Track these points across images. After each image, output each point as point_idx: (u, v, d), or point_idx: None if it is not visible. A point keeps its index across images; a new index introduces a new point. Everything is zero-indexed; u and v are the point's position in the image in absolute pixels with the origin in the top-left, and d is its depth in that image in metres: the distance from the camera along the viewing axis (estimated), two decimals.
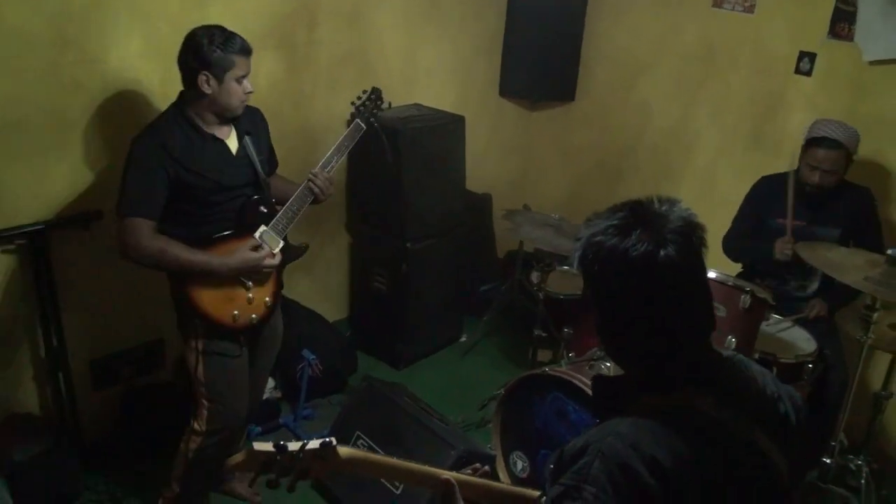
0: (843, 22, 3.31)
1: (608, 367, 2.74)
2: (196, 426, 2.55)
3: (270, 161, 2.69)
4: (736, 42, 3.71)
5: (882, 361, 2.73)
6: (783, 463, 1.23)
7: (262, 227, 2.45)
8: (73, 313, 2.93)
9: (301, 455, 1.25)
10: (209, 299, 2.38)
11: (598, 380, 1.33)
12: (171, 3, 2.88)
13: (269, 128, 2.66)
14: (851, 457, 2.73)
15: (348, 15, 3.58)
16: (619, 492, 1.09)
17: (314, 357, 3.32)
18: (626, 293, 1.19)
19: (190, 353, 2.48)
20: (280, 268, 2.54)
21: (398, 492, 2.66)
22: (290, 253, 2.55)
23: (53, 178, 2.76)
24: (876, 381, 2.78)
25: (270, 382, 3.44)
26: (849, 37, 3.30)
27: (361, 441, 2.86)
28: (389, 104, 2.85)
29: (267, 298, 2.51)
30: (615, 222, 1.19)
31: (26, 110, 2.63)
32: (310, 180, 2.52)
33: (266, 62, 3.32)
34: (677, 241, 1.16)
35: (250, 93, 2.37)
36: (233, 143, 2.45)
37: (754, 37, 3.63)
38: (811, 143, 2.97)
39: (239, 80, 2.31)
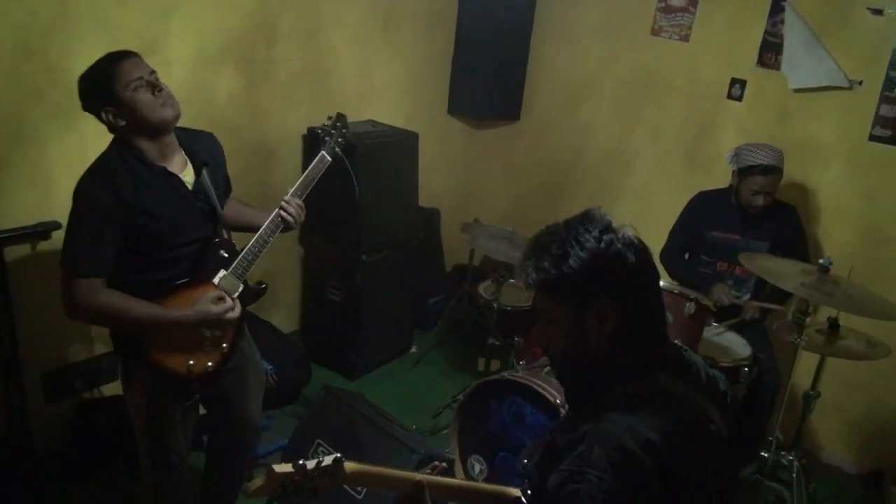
0: (770, 52, 3.57)
1: None
2: (143, 467, 2.38)
3: (225, 187, 2.45)
4: (672, 68, 3.94)
5: (810, 364, 2.95)
6: (726, 430, 1.42)
7: (222, 272, 2.22)
8: (27, 324, 2.87)
9: (316, 473, 1.29)
10: (162, 349, 2.16)
11: (576, 371, 1.43)
12: (135, 16, 2.90)
13: (226, 143, 2.44)
14: (783, 453, 2.93)
15: (306, 32, 3.66)
16: (620, 473, 1.20)
17: (271, 367, 3.35)
18: (632, 291, 1.34)
19: (134, 404, 2.28)
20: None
21: (360, 497, 2.72)
22: (250, 296, 2.33)
23: (9, 188, 2.73)
24: (804, 383, 3.01)
25: None
26: (775, 66, 3.57)
27: (322, 448, 2.91)
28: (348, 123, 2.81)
29: (224, 344, 2.28)
30: (599, 233, 1.33)
31: None
32: (282, 208, 2.33)
33: (226, 76, 3.36)
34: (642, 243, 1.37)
35: (161, 90, 2.05)
36: (188, 177, 2.19)
37: (689, 64, 3.87)
38: (751, 170, 3.17)
39: (136, 88, 2.00)
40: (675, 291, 2.74)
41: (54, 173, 2.81)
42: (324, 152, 2.50)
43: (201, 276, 2.20)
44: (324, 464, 1.29)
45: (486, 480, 2.87)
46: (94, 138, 2.37)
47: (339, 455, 1.31)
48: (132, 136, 2.08)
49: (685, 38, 3.85)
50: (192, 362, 2.21)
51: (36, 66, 2.69)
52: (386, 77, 4.18)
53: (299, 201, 2.38)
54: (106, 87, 2.00)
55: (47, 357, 3.01)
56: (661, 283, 2.72)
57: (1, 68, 2.61)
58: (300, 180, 2.43)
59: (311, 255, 4.06)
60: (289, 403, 3.63)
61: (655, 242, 3.45)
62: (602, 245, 1.31)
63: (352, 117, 3.51)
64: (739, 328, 3.21)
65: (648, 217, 4.02)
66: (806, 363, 3.04)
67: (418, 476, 1.44)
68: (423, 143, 4.10)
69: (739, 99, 3.73)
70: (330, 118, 2.63)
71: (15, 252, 2.78)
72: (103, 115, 2.04)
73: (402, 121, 4.15)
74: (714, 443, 1.36)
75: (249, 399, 2.56)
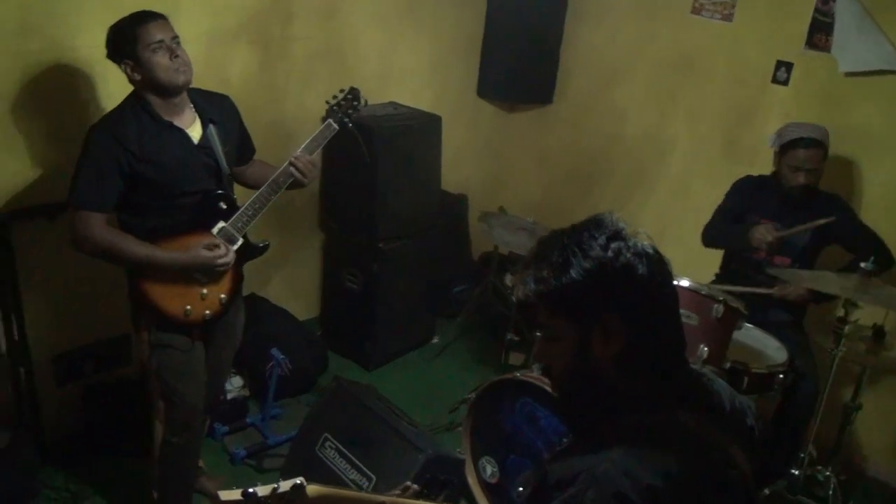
0: (820, 33, 3.33)
1: None
2: (156, 423, 2.50)
3: (244, 148, 2.62)
4: (713, 50, 3.72)
5: (852, 370, 2.75)
6: (752, 473, 1.23)
7: (221, 223, 2.39)
8: (36, 307, 2.86)
9: (271, 501, 1.20)
10: (161, 292, 2.33)
11: (578, 397, 1.26)
12: None
13: (243, 120, 2.59)
14: (820, 468, 2.74)
15: (324, 11, 3.54)
16: None
17: (283, 357, 3.27)
18: (642, 307, 1.17)
19: (141, 346, 2.44)
20: (239, 265, 2.48)
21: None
22: (250, 251, 2.48)
23: (16, 169, 2.70)
24: (846, 393, 2.80)
25: (239, 381, 3.39)
26: (826, 47, 3.32)
27: (329, 443, 2.82)
28: (366, 102, 2.79)
29: (222, 295, 2.44)
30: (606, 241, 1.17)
31: None
32: (291, 163, 2.44)
33: (240, 56, 3.27)
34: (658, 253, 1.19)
35: (178, 57, 2.24)
36: (195, 132, 2.36)
37: (731, 45, 3.65)
38: (791, 145, 2.98)
39: (155, 49, 2.20)
40: (703, 292, 2.55)
41: (59, 154, 2.75)
42: (330, 120, 2.58)
43: (201, 226, 2.36)
44: (281, 490, 1.18)
45: (499, 483, 2.76)
46: (98, 117, 2.35)
47: (298, 481, 1.19)
48: (145, 91, 2.26)
49: (728, 18, 3.63)
50: (188, 307, 2.36)
51: (40, 45, 2.64)
52: (410, 58, 4.03)
53: (310, 157, 2.48)
54: (129, 43, 2.19)
55: (57, 340, 2.98)
56: (686, 282, 2.57)
57: (4, 47, 2.56)
58: (306, 142, 2.52)
59: (329, 242, 3.97)
60: (303, 392, 3.56)
61: (691, 235, 3.30)
62: (609, 254, 1.14)
63: (373, 99, 3.43)
64: (775, 329, 2.99)
65: (684, 208, 3.83)
66: (848, 369, 2.83)
67: (385, 499, 1.31)
68: (450, 128, 3.97)
69: (785, 83, 3.49)
70: (342, 91, 2.68)
71: (21, 234, 2.74)
72: (122, 66, 2.23)
73: (429, 104, 4.01)
74: (733, 491, 1.18)
75: (224, 367, 2.82)
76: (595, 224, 1.19)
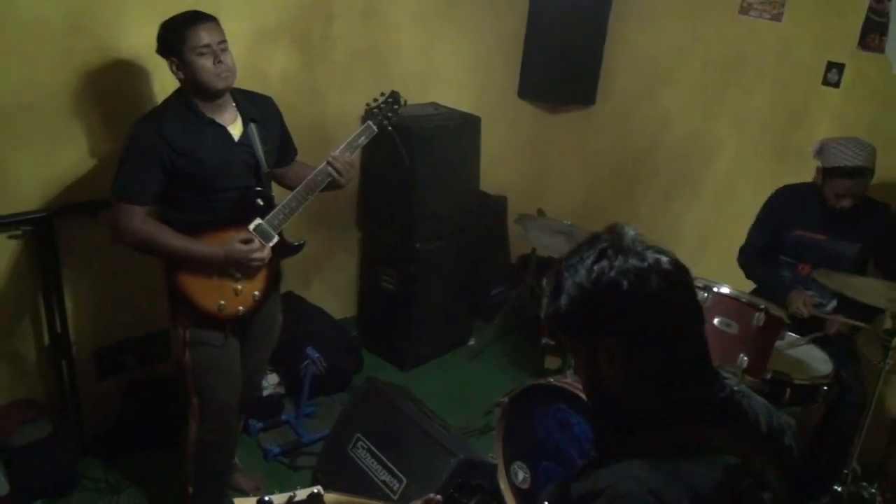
0: (874, 33, 3.21)
1: None
2: (190, 418, 2.53)
3: (285, 149, 2.64)
4: (761, 51, 3.62)
5: None
6: (786, 495, 1.18)
7: (258, 220, 2.40)
8: (79, 301, 2.92)
9: None
10: (195, 287, 2.35)
11: (600, 413, 1.25)
12: None
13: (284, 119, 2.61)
14: (865, 484, 2.64)
15: (365, 11, 3.54)
16: None
17: (318, 355, 3.28)
18: (638, 326, 1.12)
19: (177, 341, 2.47)
20: (274, 263, 2.49)
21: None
22: (285, 249, 2.49)
23: (61, 165, 2.75)
24: (893, 407, 2.69)
25: (274, 378, 3.41)
26: (879, 48, 3.20)
27: (361, 443, 2.82)
28: (405, 102, 2.77)
29: (256, 292, 2.46)
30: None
31: (37, 96, 2.63)
32: (329, 163, 2.45)
33: (281, 56, 3.29)
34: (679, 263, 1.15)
35: (221, 62, 2.26)
36: (236, 130, 2.39)
37: (780, 46, 3.54)
38: (836, 172, 2.83)
39: (200, 52, 2.23)
40: (743, 300, 2.47)
41: (103, 152, 2.81)
42: (370, 122, 2.59)
43: (239, 222, 2.39)
44: (297, 499, 1.17)
45: (530, 489, 2.72)
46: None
47: (316, 489, 1.18)
48: (188, 89, 2.31)
49: (777, 18, 3.52)
50: (222, 303, 2.38)
51: (86, 45, 2.69)
52: (451, 58, 4.01)
53: (349, 157, 2.49)
54: (176, 42, 2.24)
55: (99, 334, 3.04)
56: (726, 289, 2.50)
57: (52, 46, 2.62)
58: (344, 143, 2.53)
59: (366, 241, 3.97)
60: (338, 391, 3.57)
61: (735, 241, 3.22)
62: (593, 276, 1.10)
63: (414, 99, 3.43)
64: (821, 340, 2.89)
65: (729, 213, 3.74)
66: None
67: None
68: (491, 128, 3.94)
69: (836, 85, 3.37)
70: (383, 94, 2.68)
71: (65, 230, 2.80)
72: (169, 63, 2.28)
73: (469, 104, 3.98)
74: None
75: (261, 366, 2.82)
76: (589, 243, 1.16)
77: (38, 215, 2.71)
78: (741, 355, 2.42)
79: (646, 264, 1.10)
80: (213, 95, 2.31)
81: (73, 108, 2.72)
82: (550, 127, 4.62)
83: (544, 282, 3.30)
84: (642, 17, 4.11)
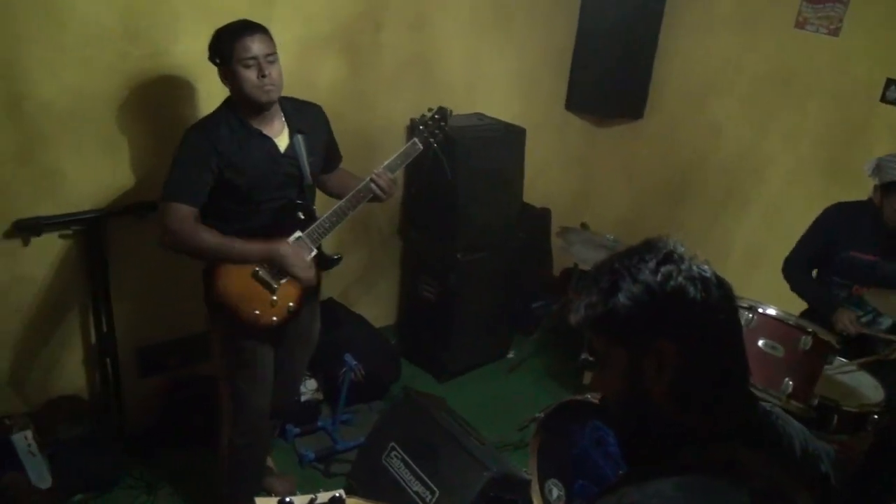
0: None
1: None
2: (223, 422, 2.56)
3: (331, 157, 2.65)
4: (817, 65, 3.53)
5: None
6: None
7: (298, 233, 2.41)
8: (124, 300, 2.98)
9: None
10: (232, 293, 2.36)
11: (631, 425, 1.20)
12: (238, 1, 2.89)
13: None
14: None
15: (414, 20, 3.55)
16: None
17: (357, 363, 3.29)
18: (696, 334, 1.10)
19: (214, 347, 2.51)
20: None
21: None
22: (322, 262, 2.49)
23: (112, 168, 2.82)
24: None
25: (313, 384, 3.43)
26: None
27: (395, 452, 2.81)
28: (451, 112, 2.74)
29: (291, 303, 2.44)
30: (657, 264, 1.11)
31: (93, 100, 2.69)
32: (372, 179, 2.46)
33: (330, 63, 3.32)
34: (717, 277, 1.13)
35: (266, 76, 2.25)
36: (283, 141, 2.41)
37: (837, 61, 3.45)
38: (895, 188, 2.76)
39: (246, 65, 2.24)
40: (790, 322, 2.39)
41: (153, 156, 2.87)
42: (416, 139, 2.60)
43: (279, 234, 2.40)
44: (319, 501, 1.16)
45: None
46: (193, 121, 2.44)
47: (338, 493, 1.18)
48: (236, 99, 2.33)
49: (834, 32, 3.43)
50: (257, 312, 2.38)
51: (142, 50, 2.75)
52: (498, 69, 4.00)
53: (392, 175, 2.50)
54: (225, 52, 2.25)
55: (143, 333, 3.10)
56: (772, 310, 2.42)
57: (109, 51, 2.68)
58: (391, 159, 2.54)
59: (408, 250, 3.98)
60: (375, 399, 3.57)
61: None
62: (659, 277, 1.08)
63: (459, 109, 3.42)
64: (873, 367, 2.79)
65: (779, 231, 3.63)
66: None
67: None
68: (537, 140, 3.92)
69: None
70: (430, 110, 2.67)
71: (114, 231, 2.86)
72: (218, 71, 2.31)
73: (515, 115, 3.96)
74: None
75: (297, 373, 2.85)
76: (648, 247, 1.13)
77: (89, 216, 2.78)
78: (786, 379, 2.35)
79: (709, 273, 1.10)
80: (257, 108, 2.32)
81: (126, 113, 2.78)
82: (597, 139, 4.57)
83: (576, 284, 3.23)
84: (694, 29, 4.04)
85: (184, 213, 2.27)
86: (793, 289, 3.05)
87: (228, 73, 2.27)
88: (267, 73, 2.25)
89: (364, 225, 3.72)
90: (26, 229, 2.67)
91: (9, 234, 2.65)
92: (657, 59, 4.21)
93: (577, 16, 4.20)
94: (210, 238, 2.30)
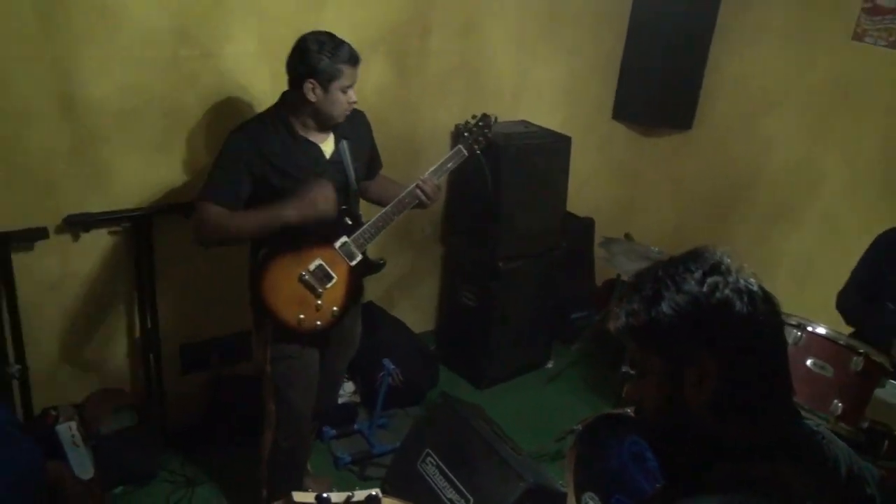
0: None
1: None
2: (266, 425, 2.57)
3: (373, 163, 2.67)
4: (876, 79, 3.43)
5: None
6: None
7: (344, 238, 2.42)
8: (169, 297, 3.03)
9: None
10: (277, 299, 2.37)
11: (668, 439, 1.18)
12: (287, 4, 2.93)
13: (374, 132, 2.64)
14: None
15: (462, 26, 3.55)
16: None
17: (395, 367, 3.29)
18: (740, 348, 1.07)
19: (259, 351, 2.52)
20: (356, 280, 2.50)
21: None
22: (367, 267, 2.50)
23: (161, 167, 2.87)
24: None
25: (351, 387, 3.44)
26: None
27: (430, 459, 2.80)
28: (496, 119, 2.74)
29: (335, 308, 2.45)
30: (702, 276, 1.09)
31: (144, 100, 2.75)
32: (418, 186, 2.47)
33: (376, 68, 3.33)
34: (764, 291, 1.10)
35: (354, 103, 2.35)
36: (328, 147, 2.43)
37: None
38: None
39: (344, 90, 2.29)
40: (841, 342, 2.32)
41: (200, 156, 2.91)
42: (461, 146, 2.60)
43: (325, 240, 2.41)
44: (355, 499, 1.16)
45: None
46: (239, 122, 2.45)
47: (374, 492, 1.17)
48: (302, 110, 2.33)
49: (893, 45, 3.33)
50: (302, 316, 2.39)
51: (192, 52, 2.79)
52: (545, 76, 3.97)
53: (437, 181, 2.52)
54: (328, 73, 2.25)
55: (186, 331, 3.14)
56: (822, 329, 2.35)
57: (161, 52, 2.74)
58: (436, 165, 2.55)
59: (450, 256, 3.97)
60: (412, 405, 3.56)
61: (838, 279, 3.02)
62: (704, 288, 1.06)
63: (505, 117, 3.41)
64: None
65: (832, 248, 3.54)
66: None
67: None
68: (583, 149, 3.88)
69: None
70: (474, 116, 2.67)
71: (160, 229, 2.91)
72: (306, 84, 2.26)
73: (561, 124, 3.93)
74: None
75: (338, 375, 2.89)
76: (694, 257, 1.11)
77: (138, 213, 2.84)
78: (835, 401, 2.27)
79: (755, 287, 1.08)
80: (329, 126, 2.37)
81: (176, 113, 2.83)
82: (644, 150, 4.51)
83: (618, 294, 3.18)
84: (747, 39, 3.96)
85: (215, 210, 2.29)
86: (848, 321, 2.94)
87: (318, 91, 2.27)
88: (353, 99, 2.33)
89: (407, 233, 3.72)
90: (76, 224, 2.73)
91: (60, 230, 2.72)
92: (708, 69, 4.14)
93: (627, 24, 4.15)
94: (244, 217, 2.30)
